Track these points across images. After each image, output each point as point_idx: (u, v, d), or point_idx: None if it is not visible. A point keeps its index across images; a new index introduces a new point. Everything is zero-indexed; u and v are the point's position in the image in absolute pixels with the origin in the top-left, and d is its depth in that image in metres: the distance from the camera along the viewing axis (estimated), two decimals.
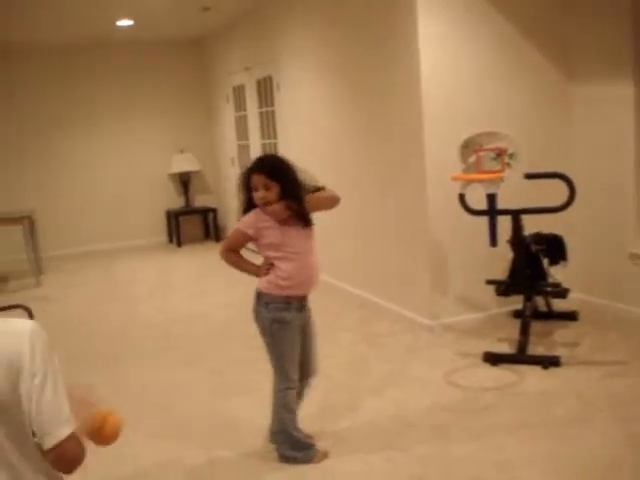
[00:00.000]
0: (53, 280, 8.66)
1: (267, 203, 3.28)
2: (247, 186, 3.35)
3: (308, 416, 3.88)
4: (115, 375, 4.98)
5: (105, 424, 1.99)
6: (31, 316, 4.23)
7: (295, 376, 3.47)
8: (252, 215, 3.37)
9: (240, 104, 9.67)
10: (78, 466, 1.90)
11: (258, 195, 3.28)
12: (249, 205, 3.39)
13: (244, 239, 3.42)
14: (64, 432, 1.80)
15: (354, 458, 3.57)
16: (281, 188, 3.28)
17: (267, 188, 3.26)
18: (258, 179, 3.27)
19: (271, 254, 3.39)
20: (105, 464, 3.46)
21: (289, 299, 3.40)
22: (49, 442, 1.80)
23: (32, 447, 1.85)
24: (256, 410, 4.04)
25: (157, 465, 3.69)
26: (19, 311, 4.29)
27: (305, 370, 3.55)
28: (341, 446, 3.70)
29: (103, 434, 1.99)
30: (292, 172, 3.36)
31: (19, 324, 1.84)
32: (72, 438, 1.83)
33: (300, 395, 3.61)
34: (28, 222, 8.66)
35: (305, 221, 3.42)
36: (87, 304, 7.31)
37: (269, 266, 3.40)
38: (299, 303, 3.46)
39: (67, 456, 1.84)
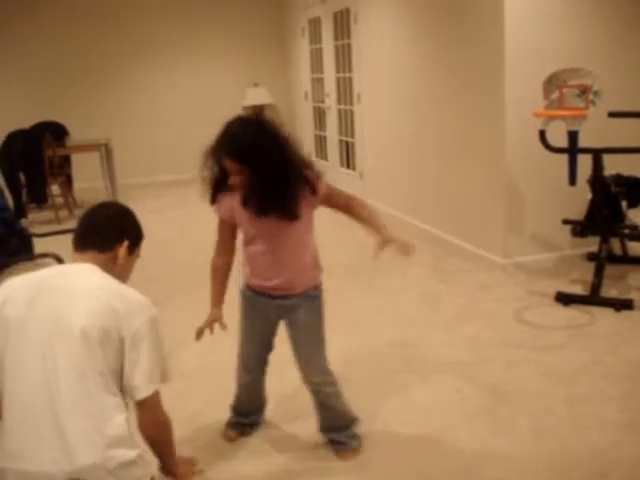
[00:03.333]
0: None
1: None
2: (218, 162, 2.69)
3: (381, 343, 3.93)
4: (189, 299, 5.12)
5: None
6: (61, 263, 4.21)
7: (246, 358, 3.06)
8: (224, 197, 2.80)
9: (315, 37, 9.58)
10: (162, 424, 2.23)
11: (231, 180, 2.65)
12: (219, 185, 2.77)
13: (224, 228, 2.92)
14: (151, 389, 2.09)
15: (427, 389, 3.63)
16: (253, 174, 2.58)
17: (241, 173, 2.59)
18: (228, 163, 2.61)
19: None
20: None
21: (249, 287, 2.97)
22: (139, 394, 2.08)
23: (117, 388, 2.08)
24: None
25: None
26: (48, 259, 4.37)
27: (302, 373, 2.99)
28: (414, 376, 3.76)
29: None
30: (274, 153, 2.58)
31: (137, 294, 2.16)
32: (157, 396, 2.13)
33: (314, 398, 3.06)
34: (105, 149, 8.83)
35: (285, 212, 2.66)
36: (162, 231, 7.46)
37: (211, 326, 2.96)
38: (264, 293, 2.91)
39: (154, 411, 2.15)
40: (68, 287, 2.09)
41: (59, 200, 8.57)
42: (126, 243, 2.29)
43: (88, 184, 9.67)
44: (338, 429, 3.08)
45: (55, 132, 8.90)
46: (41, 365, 1.99)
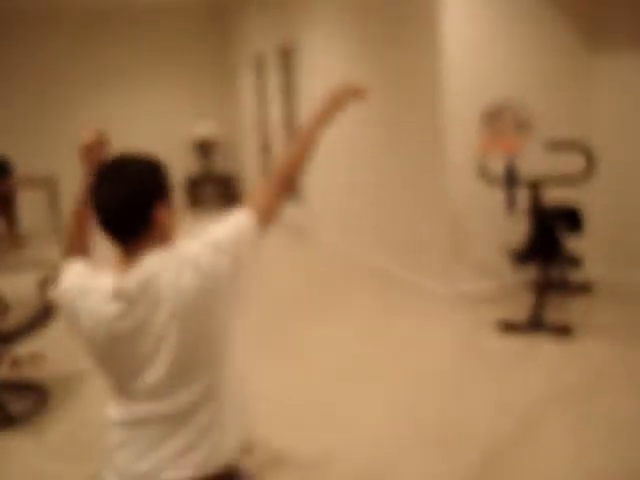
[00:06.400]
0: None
1: None
2: None
3: (325, 380, 3.95)
4: None
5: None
6: (57, 273, 4.28)
7: None
8: None
9: (261, 71, 9.69)
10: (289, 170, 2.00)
11: None
12: None
13: None
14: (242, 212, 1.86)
15: (372, 420, 3.66)
16: None
17: None
18: None
19: None
20: None
21: None
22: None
23: (221, 355, 1.82)
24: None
25: None
26: (44, 268, 4.37)
27: None
28: (362, 402, 3.80)
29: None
30: None
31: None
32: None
33: None
34: (50, 185, 8.77)
35: None
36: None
37: None
38: None
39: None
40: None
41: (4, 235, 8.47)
42: (159, 205, 1.83)
43: (34, 219, 9.58)
44: None
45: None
46: None
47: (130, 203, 1.81)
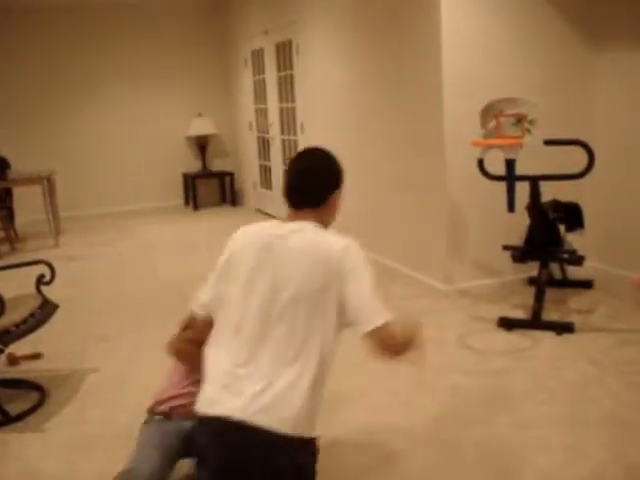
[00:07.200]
0: (71, 241, 8.74)
1: None
2: None
3: None
4: (138, 333, 5.06)
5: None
6: (53, 271, 4.28)
7: None
8: None
9: (259, 68, 9.66)
10: (395, 354, 2.35)
11: None
12: None
13: None
14: (380, 320, 2.24)
15: (369, 416, 3.64)
16: None
17: None
18: None
19: None
20: None
21: None
22: (366, 328, 2.23)
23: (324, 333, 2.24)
24: None
25: None
26: (40, 266, 4.35)
27: None
28: (356, 404, 3.77)
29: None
30: None
31: (339, 237, 2.32)
32: (387, 327, 2.26)
33: None
34: (47, 183, 8.73)
35: None
36: (105, 264, 7.39)
37: None
38: None
39: (384, 341, 2.27)
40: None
41: (0, 234, 8.42)
42: (336, 192, 2.49)
43: (30, 217, 9.58)
44: None
45: None
46: None
47: (318, 183, 2.45)
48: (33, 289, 4.23)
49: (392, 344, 2.30)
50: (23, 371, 4.53)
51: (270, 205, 9.66)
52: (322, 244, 2.28)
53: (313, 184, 2.45)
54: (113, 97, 10.48)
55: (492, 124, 4.66)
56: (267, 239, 2.33)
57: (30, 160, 9.70)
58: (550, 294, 5.11)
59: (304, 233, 2.31)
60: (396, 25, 5.73)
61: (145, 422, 2.92)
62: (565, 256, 5.02)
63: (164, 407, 2.88)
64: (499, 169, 4.78)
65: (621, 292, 5.28)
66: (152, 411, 2.92)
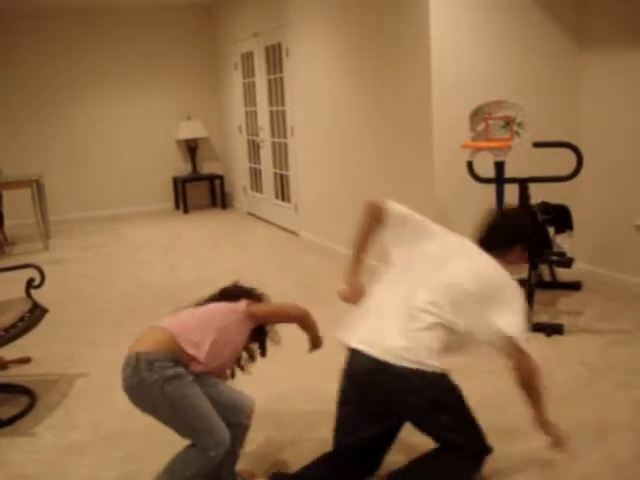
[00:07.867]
0: (60, 244, 8.72)
1: None
2: None
3: (314, 376, 3.91)
4: (127, 337, 5.04)
5: None
6: (42, 275, 4.27)
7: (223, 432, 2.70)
8: None
9: (248, 71, 9.66)
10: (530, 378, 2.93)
11: None
12: None
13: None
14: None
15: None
16: None
17: None
18: None
19: None
20: None
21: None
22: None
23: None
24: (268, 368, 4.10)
25: None
26: (30, 270, 4.33)
27: (237, 408, 2.91)
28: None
29: None
30: None
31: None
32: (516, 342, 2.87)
33: (241, 443, 2.93)
34: (36, 186, 8.70)
35: None
36: (94, 268, 7.37)
37: None
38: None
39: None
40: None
41: None
42: (519, 249, 2.97)
43: (20, 221, 9.55)
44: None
45: None
46: None
47: (506, 235, 3.00)
48: (23, 293, 4.22)
49: None
50: (12, 375, 4.51)
51: (261, 208, 9.65)
52: None
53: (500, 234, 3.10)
54: (102, 100, 10.46)
55: (481, 127, 4.67)
56: None
57: (19, 164, 9.67)
58: (539, 296, 5.12)
59: None
60: (385, 28, 5.74)
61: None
62: (554, 258, 5.03)
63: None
64: (488, 171, 4.79)
65: (610, 294, 5.30)
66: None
